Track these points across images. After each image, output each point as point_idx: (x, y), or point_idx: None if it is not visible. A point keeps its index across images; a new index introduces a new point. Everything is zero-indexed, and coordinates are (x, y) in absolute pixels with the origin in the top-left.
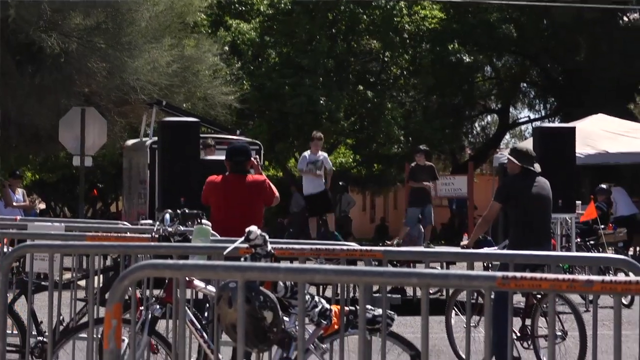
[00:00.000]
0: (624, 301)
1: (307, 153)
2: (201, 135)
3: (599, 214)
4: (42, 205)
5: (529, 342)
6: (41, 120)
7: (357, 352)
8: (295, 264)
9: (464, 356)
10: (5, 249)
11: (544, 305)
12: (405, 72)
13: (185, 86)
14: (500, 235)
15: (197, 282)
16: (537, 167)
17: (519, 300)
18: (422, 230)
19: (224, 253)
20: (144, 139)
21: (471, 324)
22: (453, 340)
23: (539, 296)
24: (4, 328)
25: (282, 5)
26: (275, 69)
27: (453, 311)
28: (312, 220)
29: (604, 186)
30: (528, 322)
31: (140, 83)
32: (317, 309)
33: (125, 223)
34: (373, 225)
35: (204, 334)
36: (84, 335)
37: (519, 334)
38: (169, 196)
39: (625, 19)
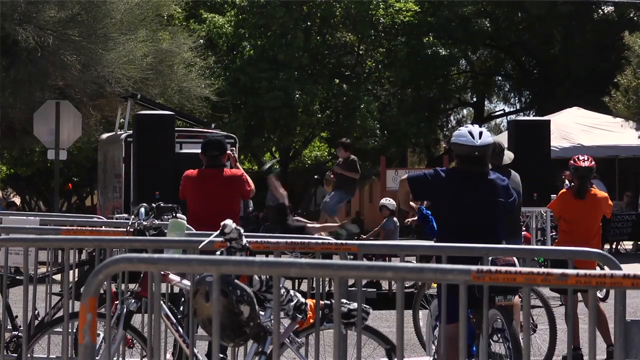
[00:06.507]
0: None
1: None
2: (176, 128)
3: None
4: (17, 199)
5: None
6: (15, 113)
7: (332, 346)
8: (271, 258)
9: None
10: None
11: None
12: (380, 66)
13: (160, 79)
14: None
15: (172, 276)
16: (506, 159)
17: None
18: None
19: (199, 247)
20: (119, 133)
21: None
22: (421, 335)
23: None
24: None
25: None
26: (251, 63)
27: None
28: None
29: None
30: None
31: (115, 76)
32: (292, 303)
33: (101, 217)
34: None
35: (180, 328)
36: (59, 329)
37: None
38: (144, 190)
39: (600, 11)
